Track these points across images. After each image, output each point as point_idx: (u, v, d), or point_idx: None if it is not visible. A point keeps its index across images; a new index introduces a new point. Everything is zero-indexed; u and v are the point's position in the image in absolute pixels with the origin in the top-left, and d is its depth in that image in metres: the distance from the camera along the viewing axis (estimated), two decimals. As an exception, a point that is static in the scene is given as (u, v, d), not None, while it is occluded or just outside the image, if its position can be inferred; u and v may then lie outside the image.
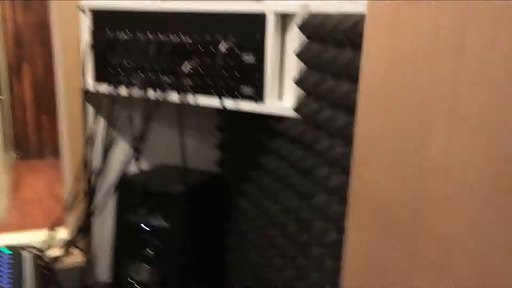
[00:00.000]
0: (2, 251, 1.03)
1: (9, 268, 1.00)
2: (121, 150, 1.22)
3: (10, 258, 1.02)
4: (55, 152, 4.56)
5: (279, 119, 0.94)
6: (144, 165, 1.23)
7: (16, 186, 3.69)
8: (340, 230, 0.71)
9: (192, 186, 1.10)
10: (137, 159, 1.01)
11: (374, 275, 0.54)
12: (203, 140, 1.36)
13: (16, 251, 1.05)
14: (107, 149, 1.07)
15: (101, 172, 1.09)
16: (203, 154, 1.36)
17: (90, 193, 1.13)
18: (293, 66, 0.89)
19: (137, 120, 1.08)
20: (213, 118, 1.33)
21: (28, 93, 4.07)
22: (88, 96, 1.18)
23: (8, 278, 0.98)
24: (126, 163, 1.04)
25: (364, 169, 0.56)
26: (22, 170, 3.96)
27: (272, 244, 0.99)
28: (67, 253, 1.16)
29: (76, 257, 1.21)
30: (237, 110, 0.95)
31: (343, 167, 0.73)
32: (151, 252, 1.09)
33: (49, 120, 4.45)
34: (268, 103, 0.92)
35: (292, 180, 0.89)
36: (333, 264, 0.76)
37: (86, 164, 1.12)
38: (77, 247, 1.16)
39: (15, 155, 4.10)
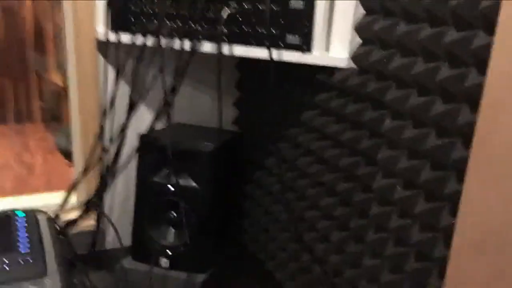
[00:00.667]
0: (16, 214, 0.94)
1: (26, 232, 0.92)
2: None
3: (25, 221, 0.94)
4: (18, 119, 4.34)
5: (319, 71, 0.88)
6: (159, 124, 1.15)
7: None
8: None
9: (219, 146, 1.03)
10: (168, 115, 0.93)
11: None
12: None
13: (30, 214, 0.96)
14: (131, 106, 0.98)
15: (122, 131, 1.00)
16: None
17: (108, 155, 1.04)
18: (346, 13, 0.82)
19: (155, 73, 0.98)
20: (230, 75, 1.26)
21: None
22: (101, 48, 1.08)
23: (27, 242, 0.90)
24: (153, 121, 0.95)
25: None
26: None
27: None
28: (82, 217, 1.08)
29: (89, 222, 1.13)
30: (281, 61, 0.88)
31: (419, 119, 0.68)
32: (177, 214, 1.02)
33: (11, 84, 4.20)
34: (315, 53, 0.86)
35: (343, 136, 0.84)
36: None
37: (102, 127, 1.03)
38: (94, 210, 1.08)
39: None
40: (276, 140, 1.06)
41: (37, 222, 0.95)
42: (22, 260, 0.86)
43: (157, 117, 0.94)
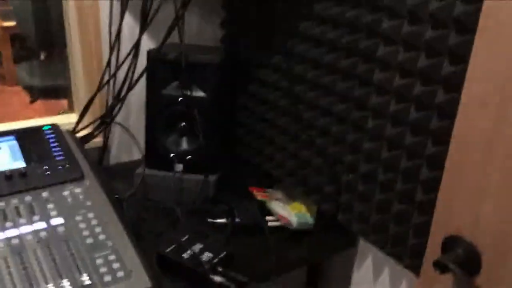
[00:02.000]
0: (44, 129, 1.01)
1: (56, 142, 0.99)
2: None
3: (53, 134, 1.01)
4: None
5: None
6: (151, 43, 1.22)
7: None
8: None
9: (223, 58, 1.12)
10: (179, 30, 1.00)
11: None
12: (206, 18, 1.36)
13: (55, 127, 1.02)
14: (143, 24, 1.03)
15: (136, 47, 1.07)
16: (207, 32, 1.37)
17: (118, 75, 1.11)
18: None
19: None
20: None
21: None
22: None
23: (60, 151, 0.98)
24: (165, 36, 1.03)
25: None
26: None
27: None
28: (95, 133, 1.15)
29: (100, 139, 1.21)
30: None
31: (417, 16, 0.81)
32: (186, 123, 1.12)
33: None
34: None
35: (340, 41, 0.97)
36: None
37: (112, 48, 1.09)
38: (113, 122, 1.16)
39: None
40: (268, 54, 1.17)
41: (62, 134, 1.02)
42: (61, 166, 0.95)
43: (168, 33, 1.02)
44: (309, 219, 1.08)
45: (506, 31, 0.60)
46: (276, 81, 1.17)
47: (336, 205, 1.05)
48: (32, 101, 2.56)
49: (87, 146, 1.16)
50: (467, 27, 0.73)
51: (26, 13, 2.43)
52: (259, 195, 1.16)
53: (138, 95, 1.22)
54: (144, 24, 1.04)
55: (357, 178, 1.00)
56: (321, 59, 1.03)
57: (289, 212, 1.09)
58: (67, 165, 0.95)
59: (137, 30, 1.13)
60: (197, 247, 0.93)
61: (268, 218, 1.09)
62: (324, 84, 1.04)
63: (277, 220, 1.08)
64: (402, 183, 0.90)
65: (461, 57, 0.75)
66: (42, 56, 3.31)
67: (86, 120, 1.17)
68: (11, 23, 3.45)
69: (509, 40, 0.60)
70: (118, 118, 1.19)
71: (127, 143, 1.30)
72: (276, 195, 1.16)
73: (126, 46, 1.16)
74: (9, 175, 0.89)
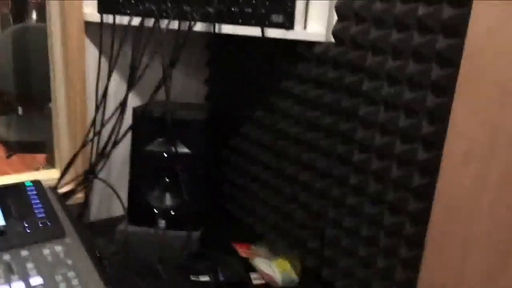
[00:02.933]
0: (26, 185, 0.99)
1: (37, 199, 0.98)
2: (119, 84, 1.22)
3: (34, 190, 0.99)
4: None
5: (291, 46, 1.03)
6: (135, 101, 1.24)
7: None
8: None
9: (208, 115, 1.15)
10: (166, 89, 1.03)
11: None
12: (190, 76, 1.39)
13: (37, 183, 1.01)
14: (130, 82, 1.06)
15: (122, 107, 1.09)
16: (191, 89, 1.40)
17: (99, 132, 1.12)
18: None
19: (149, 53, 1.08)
20: (199, 53, 1.37)
21: None
22: (90, 30, 1.15)
23: (41, 207, 0.96)
24: (153, 94, 1.05)
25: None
26: None
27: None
28: (78, 189, 1.14)
29: (80, 194, 1.20)
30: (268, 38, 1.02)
31: (395, 79, 0.85)
32: (170, 179, 1.13)
33: None
34: (297, 29, 1.01)
35: (323, 99, 1.00)
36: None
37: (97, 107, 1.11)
38: (97, 178, 1.15)
39: None
40: (251, 110, 1.20)
41: (44, 190, 1.00)
42: (41, 223, 0.93)
43: (155, 91, 1.04)
44: (293, 276, 1.07)
45: (484, 90, 0.64)
46: (259, 136, 1.20)
47: (321, 260, 1.05)
48: (8, 156, 2.52)
49: (68, 202, 1.14)
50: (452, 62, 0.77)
51: (7, 68, 2.45)
52: (242, 252, 1.15)
53: (121, 150, 1.22)
54: (131, 83, 1.06)
55: (341, 232, 1.01)
56: (304, 116, 1.06)
57: (273, 269, 1.08)
58: (48, 223, 0.93)
59: (122, 88, 1.15)
60: (181, 306, 0.91)
61: (252, 275, 1.08)
62: (307, 140, 1.07)
63: (262, 278, 1.07)
64: (385, 238, 0.91)
65: (444, 89, 0.77)
66: (20, 111, 3.30)
67: (68, 176, 1.16)
68: (-10, 78, 3.45)
69: (489, 97, 0.63)
70: (101, 174, 1.19)
71: (109, 199, 1.28)
72: (260, 251, 1.15)
73: (110, 103, 1.17)
74: (-12, 234, 0.87)
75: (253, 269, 1.09)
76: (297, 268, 1.09)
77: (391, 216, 0.90)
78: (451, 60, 0.74)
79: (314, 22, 1.01)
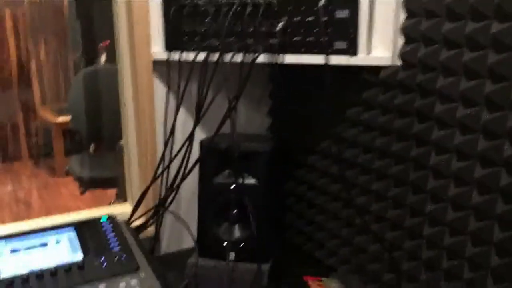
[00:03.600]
0: (101, 219, 1.03)
1: (112, 233, 1.00)
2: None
3: (109, 225, 1.02)
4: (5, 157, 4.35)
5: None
6: (202, 134, 1.26)
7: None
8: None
9: (274, 147, 1.14)
10: (232, 121, 1.04)
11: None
12: (254, 108, 1.40)
13: (111, 218, 1.04)
14: (197, 117, 1.08)
15: (190, 141, 1.11)
16: (255, 121, 1.41)
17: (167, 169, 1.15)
18: (387, 17, 0.96)
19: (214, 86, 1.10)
20: (262, 85, 1.38)
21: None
22: (158, 68, 1.19)
23: (116, 242, 0.99)
24: (219, 127, 1.06)
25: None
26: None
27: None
28: (149, 223, 1.17)
29: (151, 228, 1.22)
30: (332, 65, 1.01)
31: (471, 100, 0.81)
32: (240, 211, 1.12)
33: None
34: (361, 55, 0.99)
35: (392, 124, 0.97)
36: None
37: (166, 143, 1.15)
38: (167, 211, 1.18)
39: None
40: (316, 140, 1.19)
41: (119, 225, 1.03)
42: (117, 258, 0.95)
43: (221, 124, 1.05)
44: (369, 310, 1.03)
45: None
46: (326, 167, 1.17)
47: (398, 295, 1.00)
48: (82, 192, 2.65)
49: (140, 235, 1.17)
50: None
51: (80, 109, 2.60)
52: (313, 285, 1.11)
53: (189, 183, 1.24)
54: (198, 117, 1.08)
55: (418, 265, 0.95)
56: (372, 143, 1.03)
57: (347, 303, 1.03)
58: (123, 257, 0.96)
59: (189, 122, 1.18)
60: None
61: (325, 310, 1.04)
62: (376, 168, 1.03)
63: (335, 312, 1.03)
64: (469, 271, 0.85)
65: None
66: (91, 149, 3.48)
67: (139, 210, 1.19)
68: (64, 119, 3.68)
69: None
70: (170, 207, 1.21)
71: (178, 232, 1.30)
72: (332, 285, 1.11)
73: (178, 137, 1.20)
74: (68, 268, 0.90)
75: (326, 303, 1.06)
76: (372, 303, 1.04)
77: (473, 247, 0.84)
78: (533, 78, 0.70)
79: (379, 46, 0.99)
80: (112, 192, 2.83)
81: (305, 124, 1.25)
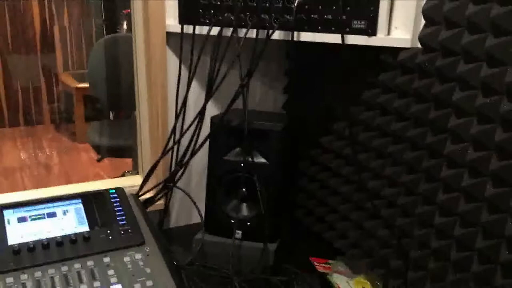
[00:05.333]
0: (109, 192, 1.03)
1: (120, 206, 1.01)
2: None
3: (117, 198, 1.02)
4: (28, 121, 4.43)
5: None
6: (214, 110, 1.24)
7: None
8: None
9: (286, 125, 1.12)
10: (244, 98, 1.02)
11: None
12: (269, 85, 1.38)
13: (120, 191, 1.04)
14: (208, 92, 1.06)
15: (201, 116, 1.10)
16: (269, 99, 1.38)
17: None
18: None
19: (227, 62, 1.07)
20: (278, 62, 1.35)
21: None
22: (171, 41, 1.17)
23: (123, 215, 0.99)
24: (230, 104, 1.04)
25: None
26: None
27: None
28: (158, 196, 1.17)
29: (160, 202, 1.22)
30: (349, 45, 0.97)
31: (491, 88, 0.77)
32: (247, 190, 1.11)
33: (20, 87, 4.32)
34: (380, 35, 0.95)
35: (408, 109, 0.94)
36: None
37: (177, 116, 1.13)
38: (176, 187, 1.18)
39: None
40: (331, 121, 1.16)
41: (127, 198, 1.04)
42: (122, 231, 0.96)
43: (233, 101, 1.03)
44: (374, 296, 1.02)
45: None
46: (340, 148, 1.15)
47: (404, 283, 0.98)
48: (99, 160, 2.68)
49: (148, 209, 1.17)
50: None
51: (100, 77, 2.60)
52: (320, 267, 1.11)
53: (199, 160, 1.24)
54: (210, 92, 1.06)
55: (427, 254, 0.93)
56: (387, 127, 1.00)
57: None
58: (129, 230, 0.96)
59: (201, 97, 1.16)
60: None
61: (329, 292, 1.04)
62: (390, 153, 1.00)
63: (340, 295, 1.03)
64: (478, 264, 0.83)
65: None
66: (111, 117, 3.50)
67: (149, 183, 1.19)
68: (85, 85, 3.70)
69: None
70: (180, 182, 1.20)
71: (187, 207, 1.30)
72: (338, 268, 1.10)
73: (190, 112, 1.19)
74: (74, 239, 0.91)
75: (331, 286, 1.05)
76: (378, 288, 1.03)
77: (484, 240, 0.82)
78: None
79: (399, 27, 0.95)
80: (130, 161, 2.86)
81: (320, 103, 1.22)
